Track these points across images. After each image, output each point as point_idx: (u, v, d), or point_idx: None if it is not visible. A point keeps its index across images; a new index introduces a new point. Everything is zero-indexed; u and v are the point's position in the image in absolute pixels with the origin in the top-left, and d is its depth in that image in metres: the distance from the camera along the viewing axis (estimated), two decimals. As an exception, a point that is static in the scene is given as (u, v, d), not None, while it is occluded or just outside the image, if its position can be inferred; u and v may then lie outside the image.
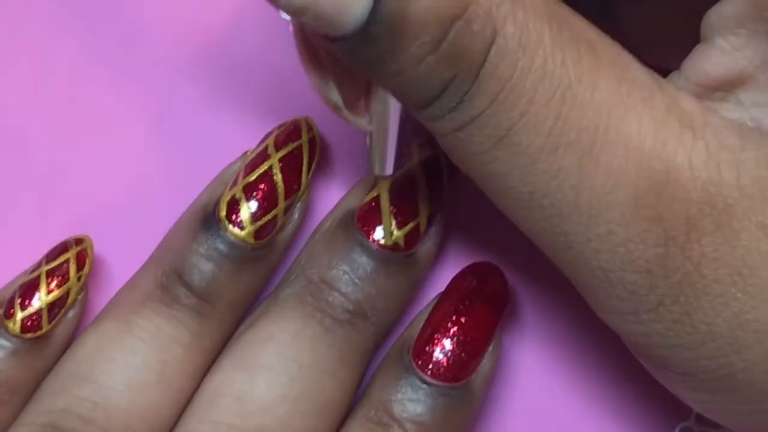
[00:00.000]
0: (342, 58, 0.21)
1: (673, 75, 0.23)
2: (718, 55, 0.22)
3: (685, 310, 0.21)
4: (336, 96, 0.23)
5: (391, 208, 0.27)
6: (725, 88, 0.22)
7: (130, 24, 0.31)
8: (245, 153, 0.28)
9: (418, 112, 0.21)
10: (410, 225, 0.27)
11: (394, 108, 0.24)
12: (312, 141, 0.28)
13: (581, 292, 0.22)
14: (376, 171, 0.25)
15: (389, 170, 0.25)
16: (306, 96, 0.30)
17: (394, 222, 0.27)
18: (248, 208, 0.27)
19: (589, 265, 0.21)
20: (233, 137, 0.30)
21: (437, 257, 0.29)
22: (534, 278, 0.29)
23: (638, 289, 0.21)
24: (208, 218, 0.27)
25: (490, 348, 0.27)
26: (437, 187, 0.28)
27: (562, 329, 0.29)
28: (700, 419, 0.29)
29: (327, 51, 0.22)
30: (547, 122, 0.20)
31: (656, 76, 0.21)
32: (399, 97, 0.21)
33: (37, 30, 0.31)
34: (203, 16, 0.31)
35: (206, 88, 0.30)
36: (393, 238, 0.27)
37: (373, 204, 0.27)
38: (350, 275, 0.27)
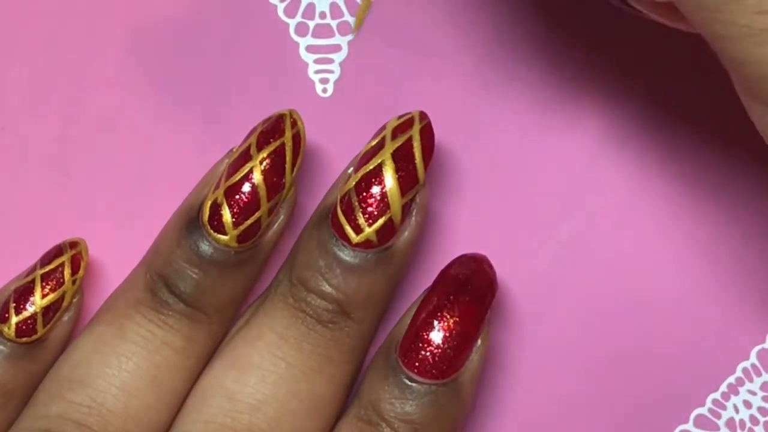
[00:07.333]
0: None
1: None
2: None
3: None
4: None
5: (361, 204, 0.26)
6: None
7: (129, 23, 0.31)
8: (231, 150, 0.28)
9: None
10: (381, 220, 0.26)
11: None
12: (296, 137, 0.27)
13: None
14: None
15: None
16: (305, 96, 0.29)
17: (362, 218, 0.26)
18: (230, 213, 0.26)
19: None
20: (234, 138, 0.29)
21: (438, 251, 0.29)
22: (529, 274, 0.29)
23: None
24: (192, 222, 0.27)
25: (478, 342, 0.26)
26: (409, 176, 0.26)
27: (558, 327, 0.29)
28: (699, 421, 0.29)
29: None
30: None
31: None
32: None
33: (35, 28, 0.31)
34: (204, 17, 0.30)
35: (206, 88, 0.30)
36: (364, 234, 0.26)
37: (345, 199, 0.27)
38: (326, 275, 0.27)
